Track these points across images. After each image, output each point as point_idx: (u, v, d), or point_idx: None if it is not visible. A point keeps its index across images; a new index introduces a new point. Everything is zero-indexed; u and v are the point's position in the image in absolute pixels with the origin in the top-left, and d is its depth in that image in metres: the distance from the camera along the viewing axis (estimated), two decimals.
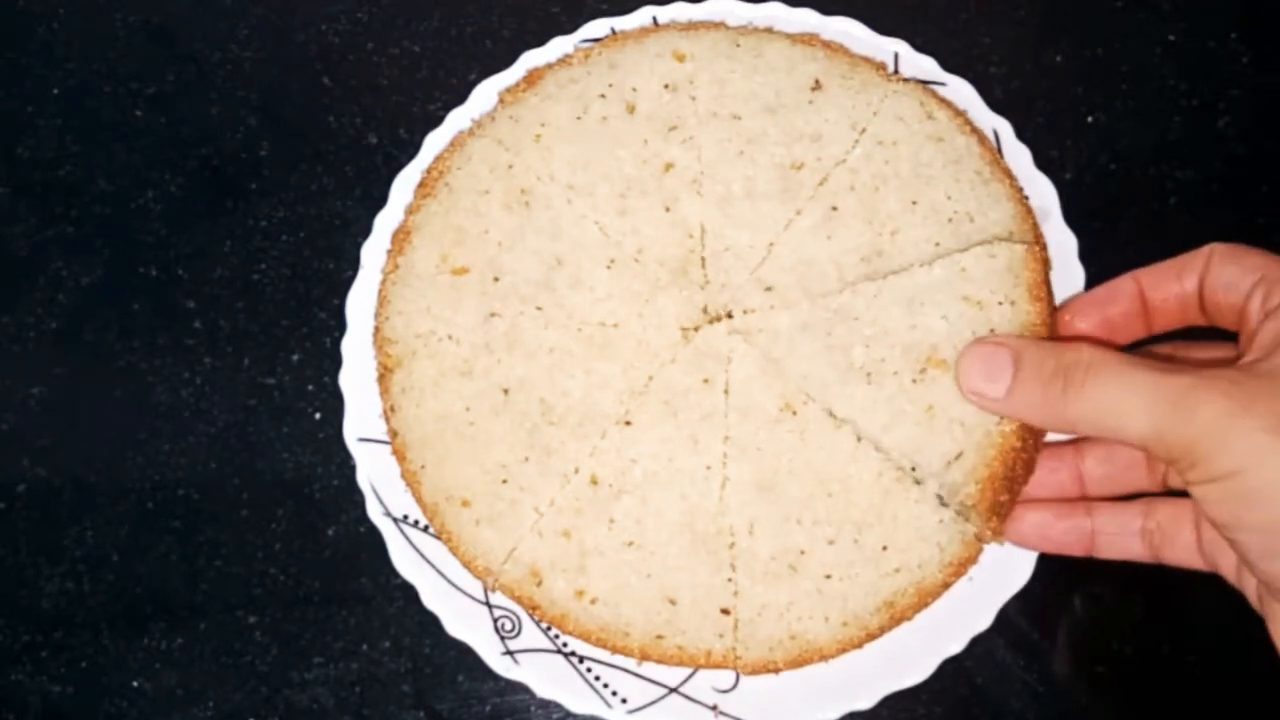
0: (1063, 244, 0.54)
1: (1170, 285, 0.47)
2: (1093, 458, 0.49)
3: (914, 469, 0.49)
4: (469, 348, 0.52)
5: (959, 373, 0.48)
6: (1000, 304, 0.49)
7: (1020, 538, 0.49)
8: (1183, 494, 0.44)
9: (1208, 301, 0.46)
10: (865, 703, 0.49)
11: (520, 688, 0.50)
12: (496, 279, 0.53)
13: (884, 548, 0.49)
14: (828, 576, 0.49)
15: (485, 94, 0.58)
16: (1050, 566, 0.50)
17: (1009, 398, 0.45)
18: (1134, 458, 0.49)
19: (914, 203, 0.54)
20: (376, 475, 0.52)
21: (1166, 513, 0.47)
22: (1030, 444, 0.48)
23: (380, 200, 0.56)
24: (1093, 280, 0.52)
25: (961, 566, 0.50)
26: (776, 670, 0.49)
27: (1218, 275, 0.45)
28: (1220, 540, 0.44)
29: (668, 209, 0.54)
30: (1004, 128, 0.57)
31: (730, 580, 0.49)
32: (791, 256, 0.53)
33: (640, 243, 0.54)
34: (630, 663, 0.50)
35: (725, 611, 0.49)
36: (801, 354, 0.51)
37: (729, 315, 0.53)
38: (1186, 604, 0.55)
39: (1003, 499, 0.48)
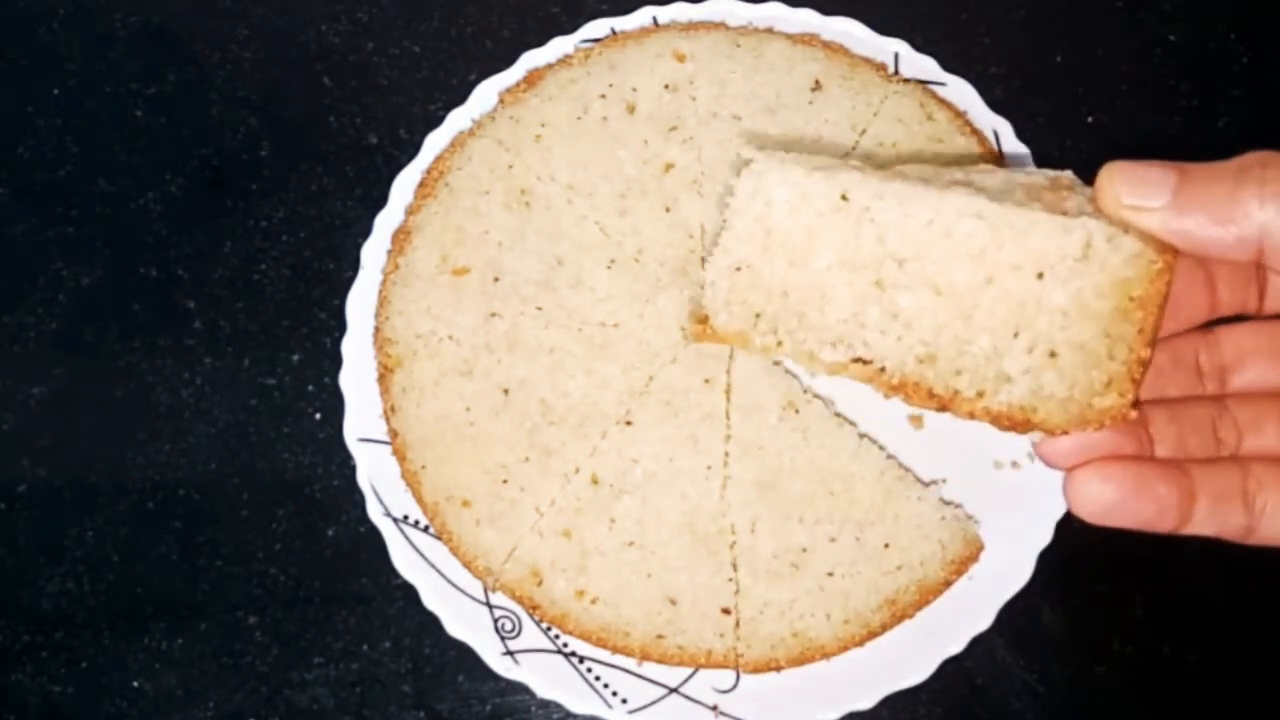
0: None
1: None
2: (1158, 419, 0.41)
3: (1041, 275, 0.38)
4: (469, 348, 0.52)
5: (1101, 187, 0.38)
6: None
7: (1114, 507, 0.39)
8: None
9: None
10: (866, 703, 0.49)
11: (520, 688, 0.49)
12: (497, 279, 0.53)
13: (885, 545, 0.50)
14: (829, 574, 0.49)
15: (485, 94, 0.58)
16: (1051, 566, 0.50)
17: (1174, 203, 0.36)
18: (1203, 422, 0.41)
19: None
20: (377, 475, 0.52)
21: (1269, 474, 0.39)
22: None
23: (380, 200, 0.56)
24: None
25: (963, 564, 0.50)
26: (778, 668, 0.49)
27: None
28: None
29: (668, 209, 0.55)
30: (1004, 128, 0.57)
31: (731, 580, 0.49)
32: None
33: (640, 243, 0.54)
34: (630, 663, 0.50)
35: (726, 611, 0.49)
36: (865, 173, 0.42)
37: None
38: (1187, 603, 0.55)
39: (1149, 353, 0.38)
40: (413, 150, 0.57)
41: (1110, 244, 0.37)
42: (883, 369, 0.42)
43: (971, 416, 0.41)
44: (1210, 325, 0.43)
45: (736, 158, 0.44)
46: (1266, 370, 0.43)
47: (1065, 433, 0.39)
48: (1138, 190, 0.37)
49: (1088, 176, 0.40)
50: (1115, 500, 0.38)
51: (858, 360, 0.43)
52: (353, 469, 0.52)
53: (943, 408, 0.42)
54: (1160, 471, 0.39)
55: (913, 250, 0.40)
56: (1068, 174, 0.42)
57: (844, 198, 0.41)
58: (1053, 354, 0.39)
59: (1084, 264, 0.37)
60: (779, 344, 0.44)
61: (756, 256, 0.44)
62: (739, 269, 0.44)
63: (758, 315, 0.44)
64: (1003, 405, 0.40)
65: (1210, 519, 0.39)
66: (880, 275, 0.41)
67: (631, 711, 0.49)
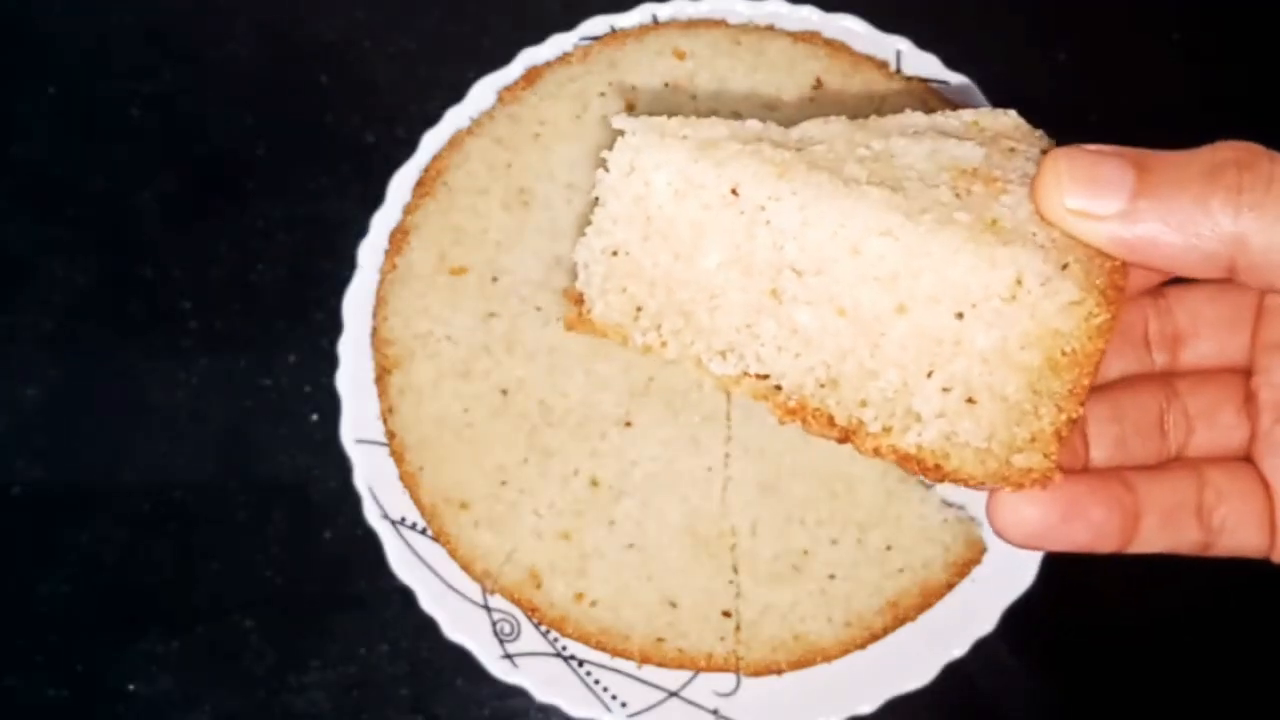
0: None
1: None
2: (1097, 412, 0.37)
3: (961, 315, 0.32)
4: (468, 348, 0.52)
5: (1043, 184, 0.32)
6: (1042, 154, 0.35)
7: (1048, 533, 0.34)
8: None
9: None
10: (867, 707, 0.49)
11: (519, 691, 0.49)
12: (495, 279, 0.53)
13: (887, 547, 0.49)
14: (831, 576, 0.49)
15: (484, 92, 0.57)
16: (1054, 568, 0.50)
17: (1133, 211, 0.30)
18: (1148, 416, 0.37)
19: None
20: (374, 477, 0.51)
21: (1227, 480, 0.35)
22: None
23: (378, 200, 0.56)
24: None
25: (965, 566, 0.50)
26: (779, 671, 0.49)
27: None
28: None
29: None
30: None
31: (732, 582, 0.49)
32: None
33: None
34: (630, 666, 0.49)
35: (727, 614, 0.49)
36: (766, 157, 0.35)
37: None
38: (1192, 608, 0.55)
39: (1080, 414, 0.33)
40: (410, 149, 0.56)
41: (1044, 288, 0.31)
42: (779, 388, 0.37)
43: (877, 454, 0.36)
44: (1161, 286, 0.38)
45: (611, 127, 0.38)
46: (1226, 342, 0.38)
47: (980, 485, 0.34)
48: (1088, 191, 0.31)
49: None
50: (1044, 527, 0.34)
51: (751, 375, 0.38)
52: (350, 471, 0.52)
53: (845, 439, 0.36)
54: (1097, 491, 0.34)
55: (813, 263, 0.34)
56: (1011, 118, 0.37)
57: (734, 192, 0.35)
58: (970, 400, 0.33)
59: (1011, 306, 0.32)
60: (663, 344, 0.38)
61: (636, 243, 0.37)
62: (616, 253, 0.38)
63: (639, 308, 0.38)
64: (911, 447, 0.35)
65: (1159, 537, 0.35)
66: (777, 285, 0.35)
67: (631, 715, 0.49)
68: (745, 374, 0.37)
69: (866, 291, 0.34)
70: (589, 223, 0.38)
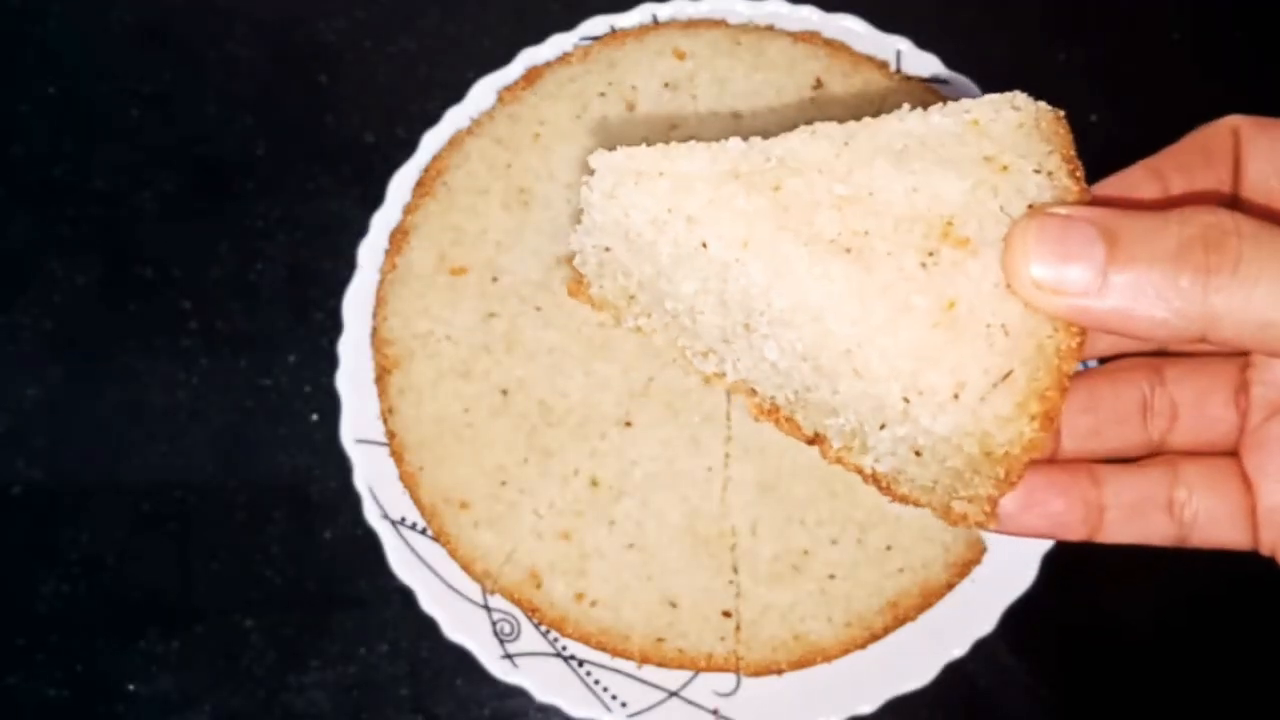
0: None
1: (1198, 174, 0.34)
2: (1072, 403, 0.36)
3: (908, 400, 0.33)
4: (467, 348, 0.52)
5: (1011, 256, 0.32)
6: (1036, 172, 0.35)
7: (1005, 520, 0.35)
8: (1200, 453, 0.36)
9: (1249, 193, 0.33)
10: (868, 707, 0.49)
11: (519, 692, 0.49)
12: (495, 279, 0.53)
13: (887, 547, 0.49)
14: (831, 576, 0.49)
15: (484, 92, 0.57)
16: (1054, 568, 0.50)
17: (1107, 286, 0.30)
18: (1127, 405, 0.37)
19: None
20: (374, 477, 0.51)
21: (1198, 476, 0.35)
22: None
23: (378, 200, 0.56)
24: None
25: (965, 566, 0.50)
26: (779, 671, 0.49)
27: (1258, 158, 0.32)
28: None
29: None
30: None
31: (732, 582, 0.49)
32: None
33: None
34: (630, 666, 0.49)
35: (727, 614, 0.49)
36: (736, 212, 0.35)
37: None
38: (1193, 607, 0.55)
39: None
40: (410, 149, 0.56)
41: (982, 401, 0.32)
42: (754, 391, 0.39)
43: (839, 463, 0.38)
44: None
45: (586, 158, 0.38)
46: None
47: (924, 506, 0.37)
48: (1057, 265, 0.30)
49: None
50: (1007, 513, 0.35)
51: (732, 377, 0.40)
52: (350, 471, 0.52)
53: (812, 443, 0.38)
54: (1057, 483, 0.35)
55: (780, 319, 0.35)
56: (1014, 112, 0.36)
57: (704, 245, 0.35)
58: (917, 453, 0.35)
59: (953, 404, 0.32)
60: (653, 331, 0.40)
61: (621, 250, 0.38)
62: (607, 249, 0.39)
63: (631, 297, 0.39)
64: (867, 468, 0.37)
65: (1126, 529, 0.36)
66: (749, 321, 0.36)
67: (631, 715, 0.49)
68: (725, 375, 0.39)
69: (826, 352, 0.34)
70: (579, 220, 0.38)
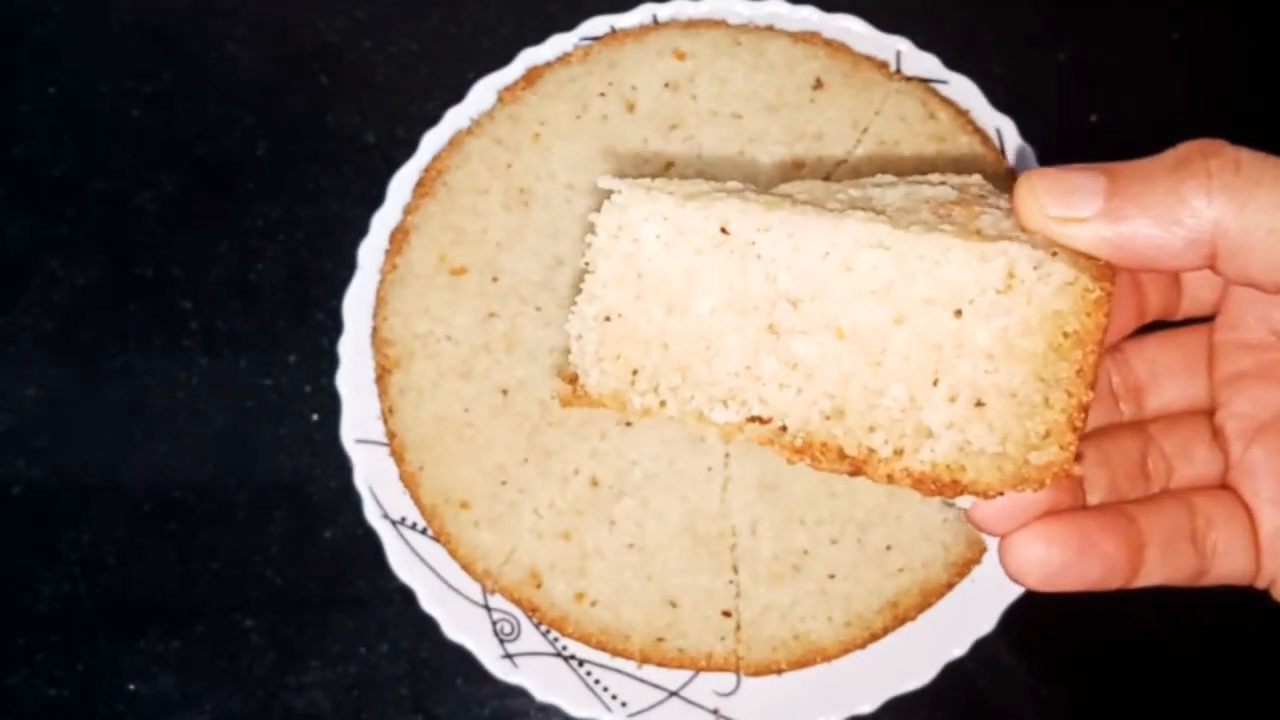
0: None
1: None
2: (1088, 459, 0.37)
3: (959, 313, 0.32)
4: (468, 348, 0.52)
5: (1022, 201, 0.33)
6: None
7: (1063, 571, 0.34)
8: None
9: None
10: (868, 706, 0.49)
11: (519, 691, 0.49)
12: (495, 279, 0.53)
13: (887, 547, 0.49)
14: (831, 576, 0.49)
15: (484, 93, 0.57)
16: None
17: (1112, 209, 0.31)
18: (1130, 459, 0.38)
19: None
20: (374, 477, 0.51)
21: (1212, 506, 0.36)
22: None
23: (378, 200, 0.56)
24: None
25: (965, 566, 0.50)
26: (779, 671, 0.49)
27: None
28: None
29: None
30: (1007, 126, 0.56)
31: (732, 582, 0.49)
32: None
33: None
34: (630, 666, 0.49)
35: (727, 613, 0.49)
36: (757, 200, 0.36)
37: None
38: (1192, 608, 0.55)
39: (1089, 399, 0.32)
40: (410, 149, 0.56)
41: (1037, 272, 0.32)
42: (784, 428, 0.36)
43: (890, 480, 0.35)
44: (1119, 341, 0.39)
45: (595, 188, 0.39)
46: (1185, 385, 0.39)
47: (1000, 494, 0.33)
48: (1064, 199, 0.32)
49: None
50: (1060, 565, 0.34)
51: (755, 419, 0.37)
52: (350, 470, 0.52)
53: (857, 471, 0.36)
54: (1104, 525, 0.35)
55: (808, 289, 0.35)
56: (976, 179, 0.38)
57: (724, 230, 0.35)
58: (979, 403, 0.33)
59: (1008, 297, 0.32)
60: (662, 404, 0.38)
61: (628, 303, 0.38)
62: (609, 318, 0.38)
63: (635, 372, 0.38)
64: (926, 465, 0.34)
65: (1160, 568, 0.35)
66: (773, 319, 0.36)
67: (631, 715, 0.49)
68: (748, 419, 0.37)
69: (863, 307, 0.34)
70: (579, 292, 0.38)
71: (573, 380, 0.39)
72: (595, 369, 0.39)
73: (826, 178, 0.53)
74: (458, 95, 0.57)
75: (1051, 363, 0.32)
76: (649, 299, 0.37)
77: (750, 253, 0.35)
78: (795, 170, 0.54)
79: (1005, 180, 0.38)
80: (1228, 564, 0.36)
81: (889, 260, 0.33)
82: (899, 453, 0.34)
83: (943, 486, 0.34)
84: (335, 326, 0.54)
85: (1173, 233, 0.30)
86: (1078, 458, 0.32)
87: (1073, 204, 0.31)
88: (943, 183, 0.37)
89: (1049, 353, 0.32)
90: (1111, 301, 0.32)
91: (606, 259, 0.37)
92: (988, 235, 0.32)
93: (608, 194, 0.37)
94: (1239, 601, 0.54)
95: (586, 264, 0.38)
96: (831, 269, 0.34)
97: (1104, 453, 0.38)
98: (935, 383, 0.33)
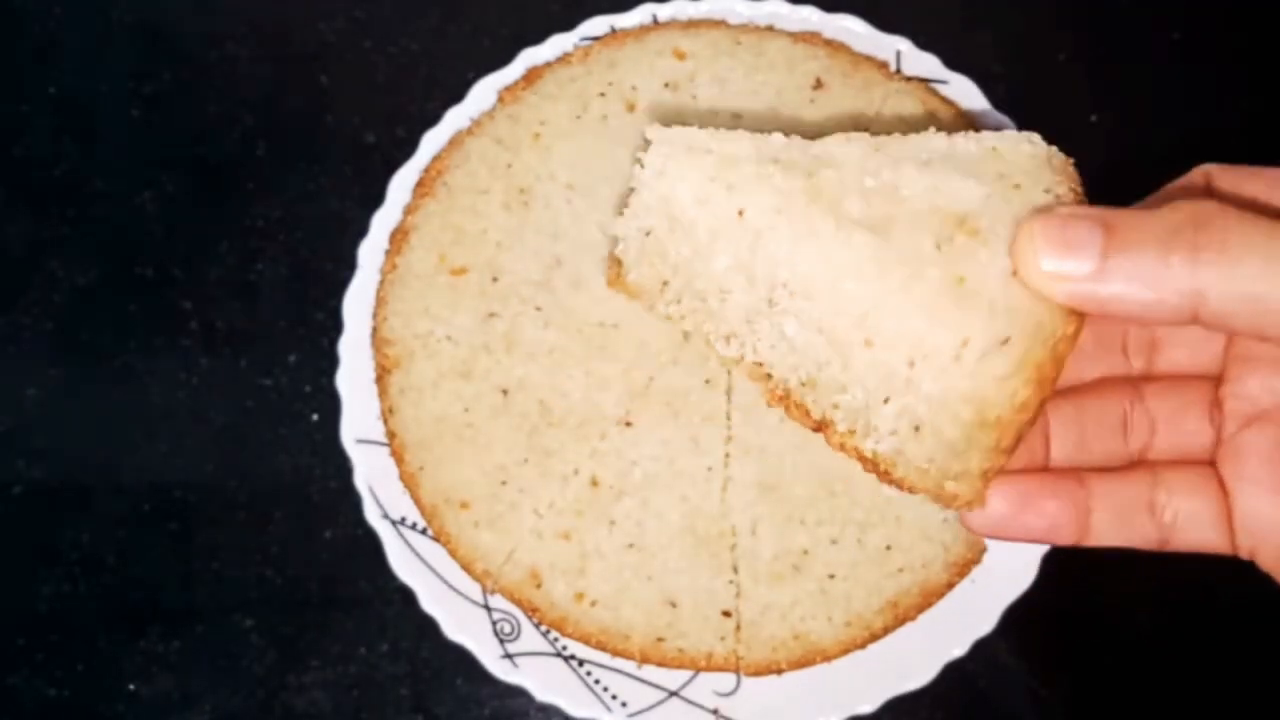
0: None
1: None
2: (1059, 416, 0.39)
3: (913, 364, 0.36)
4: (468, 348, 0.52)
5: (1020, 247, 0.34)
6: (1045, 192, 0.37)
7: (999, 521, 0.38)
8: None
9: None
10: (867, 706, 0.49)
11: (519, 691, 0.49)
12: (495, 279, 0.53)
13: (887, 547, 0.49)
14: (831, 576, 0.49)
15: (484, 92, 0.57)
16: (1055, 568, 0.50)
17: (1104, 271, 0.32)
18: (1110, 419, 0.40)
19: None
20: (374, 477, 0.51)
21: (1180, 481, 0.38)
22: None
23: (378, 200, 0.56)
24: None
25: (965, 566, 0.50)
26: (779, 671, 0.49)
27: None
28: (1264, 515, 0.36)
29: None
30: (1007, 126, 0.56)
31: (732, 582, 0.49)
32: None
33: None
34: (630, 666, 0.49)
35: (727, 613, 0.49)
36: (772, 187, 0.38)
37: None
38: (1194, 608, 0.55)
39: (1014, 445, 0.36)
40: (410, 149, 0.56)
41: (980, 360, 0.34)
42: (769, 375, 0.42)
43: (842, 449, 0.41)
44: None
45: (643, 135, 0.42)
46: (1198, 351, 0.40)
47: (918, 494, 0.39)
48: (1060, 254, 0.33)
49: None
50: (1000, 518, 0.38)
51: (749, 360, 0.43)
52: (350, 470, 0.52)
53: (818, 430, 0.42)
54: (1050, 486, 0.38)
55: (800, 288, 0.38)
56: (1030, 145, 0.39)
57: (740, 214, 0.38)
58: (917, 429, 0.37)
59: (955, 365, 0.35)
60: (682, 318, 0.44)
61: (663, 230, 0.42)
62: (648, 234, 0.42)
63: (664, 283, 0.43)
64: (868, 451, 0.40)
65: (1112, 531, 0.38)
66: (771, 296, 0.39)
67: (631, 715, 0.49)
68: (744, 359, 0.43)
69: (841, 322, 0.37)
70: (627, 204, 0.43)
71: (618, 264, 0.45)
72: (635, 269, 0.44)
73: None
74: (458, 95, 0.57)
75: (975, 431, 0.35)
76: (679, 236, 0.41)
77: (759, 240, 0.38)
78: None
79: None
80: (1191, 535, 0.37)
81: (869, 297, 0.36)
82: (851, 432, 0.40)
83: (878, 472, 0.40)
84: (335, 326, 0.54)
85: (1157, 299, 0.32)
86: (983, 500, 0.37)
87: (1067, 260, 0.33)
88: (980, 173, 0.37)
89: (975, 423, 0.35)
90: (1038, 408, 0.35)
91: (649, 190, 0.41)
92: (965, 289, 0.35)
93: (649, 142, 0.40)
94: (1238, 600, 0.54)
95: (631, 186, 0.42)
96: (821, 281, 0.37)
97: (1082, 411, 0.40)
98: (886, 400, 0.37)
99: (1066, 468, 0.39)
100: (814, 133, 0.56)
